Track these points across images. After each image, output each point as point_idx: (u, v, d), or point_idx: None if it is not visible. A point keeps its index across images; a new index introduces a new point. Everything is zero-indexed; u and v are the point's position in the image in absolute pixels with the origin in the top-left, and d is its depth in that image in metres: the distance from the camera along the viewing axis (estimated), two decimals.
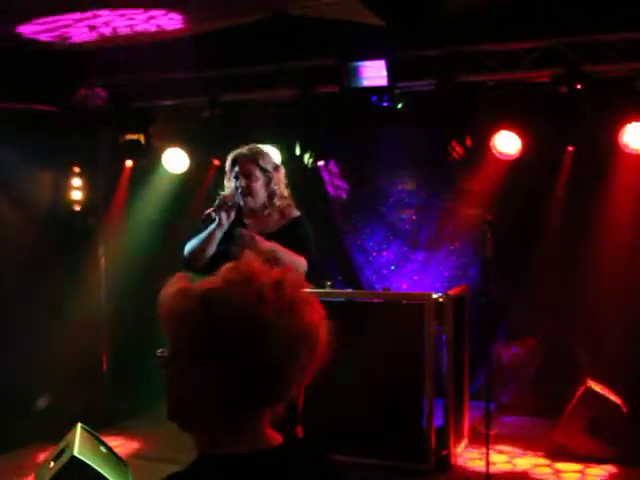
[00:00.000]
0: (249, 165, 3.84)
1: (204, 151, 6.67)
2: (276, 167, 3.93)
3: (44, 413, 6.22)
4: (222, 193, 3.92)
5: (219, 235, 3.82)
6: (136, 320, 7.00)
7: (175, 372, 1.38)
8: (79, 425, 3.02)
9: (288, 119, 6.36)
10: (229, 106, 6.43)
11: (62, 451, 2.90)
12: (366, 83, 5.69)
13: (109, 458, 3.03)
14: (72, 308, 6.65)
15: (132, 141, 6.76)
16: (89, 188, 7.19)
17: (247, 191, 3.83)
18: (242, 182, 3.83)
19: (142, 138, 6.76)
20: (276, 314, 1.34)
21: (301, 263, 3.71)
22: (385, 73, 5.61)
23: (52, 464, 2.90)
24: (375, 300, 5.46)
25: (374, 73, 5.66)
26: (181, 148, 6.73)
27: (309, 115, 6.15)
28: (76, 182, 7.10)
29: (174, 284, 1.41)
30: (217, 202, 3.84)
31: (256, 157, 3.86)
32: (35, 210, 6.73)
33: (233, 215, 3.84)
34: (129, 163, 7.03)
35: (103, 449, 3.04)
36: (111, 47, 5.99)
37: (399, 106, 5.83)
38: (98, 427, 3.25)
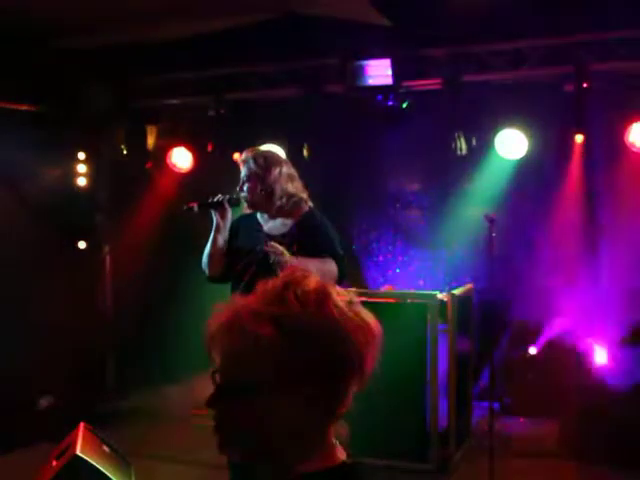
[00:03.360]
0: (245, 168, 3.88)
1: (209, 150, 6.67)
2: (267, 167, 3.85)
3: (47, 413, 6.22)
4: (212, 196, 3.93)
5: (220, 238, 3.86)
6: (141, 319, 7.01)
7: (246, 403, 1.30)
8: (82, 424, 3.02)
9: (293, 118, 6.34)
10: (234, 105, 6.42)
11: (65, 450, 2.89)
12: (371, 82, 5.67)
13: (112, 457, 3.02)
14: (77, 307, 6.64)
15: (137, 140, 6.75)
16: (94, 187, 7.20)
17: (246, 194, 3.86)
18: (240, 185, 3.88)
19: (147, 137, 6.76)
20: (351, 326, 1.33)
21: (331, 269, 3.71)
22: (390, 72, 5.59)
23: (55, 463, 2.90)
24: (379, 299, 5.44)
25: (379, 72, 5.64)
26: (186, 147, 6.73)
27: (314, 114, 6.13)
28: (81, 181, 7.11)
29: (230, 309, 1.34)
30: (204, 201, 3.86)
31: (249, 160, 3.88)
32: (40, 209, 6.73)
33: (229, 215, 3.87)
34: (135, 162, 7.03)
35: (106, 448, 3.04)
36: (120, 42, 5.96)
37: (404, 105, 5.81)
38: (101, 426, 3.24)
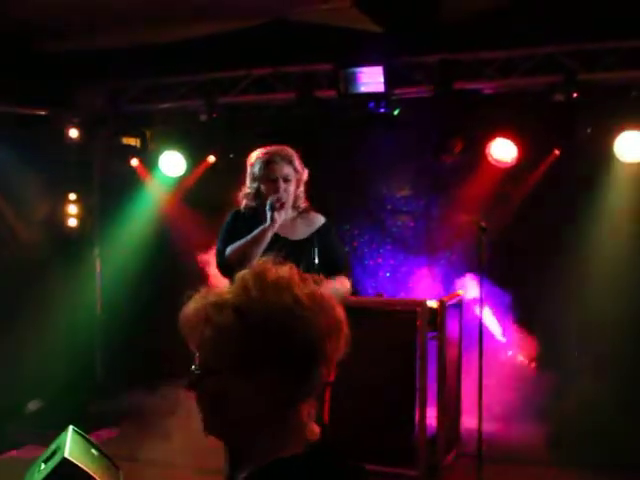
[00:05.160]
0: (287, 167, 3.75)
1: (201, 154, 6.68)
2: (303, 169, 3.84)
3: (36, 415, 6.20)
4: (274, 195, 3.72)
5: (270, 235, 3.69)
6: (129, 322, 7.01)
7: (216, 388, 1.40)
8: (70, 427, 3.01)
9: (285, 123, 6.36)
10: (227, 109, 6.43)
11: (53, 453, 2.89)
12: (363, 89, 5.70)
13: (101, 460, 3.02)
14: (66, 311, 6.64)
15: (129, 144, 6.75)
16: (85, 191, 7.20)
17: (284, 195, 3.72)
18: (281, 185, 3.72)
19: (139, 141, 6.76)
20: (311, 313, 1.40)
21: (347, 287, 3.74)
22: (382, 79, 5.63)
23: (43, 466, 2.89)
24: (368, 306, 5.45)
25: (371, 79, 5.68)
26: (178, 151, 6.72)
27: (306, 120, 6.15)
28: (72, 184, 7.12)
29: (199, 300, 1.42)
30: (270, 202, 3.68)
31: (291, 158, 3.77)
32: (31, 212, 6.72)
33: (284, 215, 3.72)
34: (126, 166, 7.03)
35: (94, 452, 3.03)
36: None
37: (395, 112, 5.84)
38: (90, 430, 3.24)
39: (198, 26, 5.76)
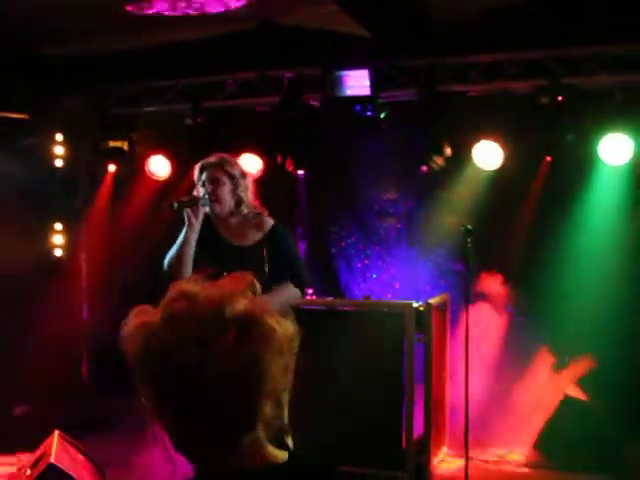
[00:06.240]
0: (215, 171, 3.81)
1: (187, 158, 6.67)
2: (243, 174, 3.89)
3: (22, 420, 6.16)
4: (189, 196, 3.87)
5: (193, 237, 3.72)
6: (116, 326, 6.99)
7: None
8: (57, 432, 3.01)
9: (271, 127, 6.37)
10: (212, 113, 6.43)
11: (39, 459, 2.88)
12: (350, 92, 5.72)
13: (86, 465, 3.02)
14: (52, 315, 6.60)
15: (114, 147, 6.74)
16: (71, 194, 7.17)
17: (213, 197, 3.76)
18: (208, 188, 3.79)
19: (125, 145, 6.75)
20: (163, 339, 1.29)
21: (294, 294, 3.73)
22: (368, 82, 5.65)
23: (29, 472, 2.89)
24: (356, 308, 5.47)
25: (358, 82, 5.69)
26: (164, 155, 6.71)
27: (292, 123, 6.16)
28: (58, 188, 7.09)
29: (134, 317, 1.39)
30: (173, 203, 3.75)
31: (222, 163, 3.83)
32: (14, 216, 6.68)
33: (201, 215, 3.75)
34: (111, 169, 7.01)
35: (81, 456, 3.03)
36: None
37: (382, 115, 5.86)
38: (77, 435, 3.23)
39: (185, 30, 5.76)
